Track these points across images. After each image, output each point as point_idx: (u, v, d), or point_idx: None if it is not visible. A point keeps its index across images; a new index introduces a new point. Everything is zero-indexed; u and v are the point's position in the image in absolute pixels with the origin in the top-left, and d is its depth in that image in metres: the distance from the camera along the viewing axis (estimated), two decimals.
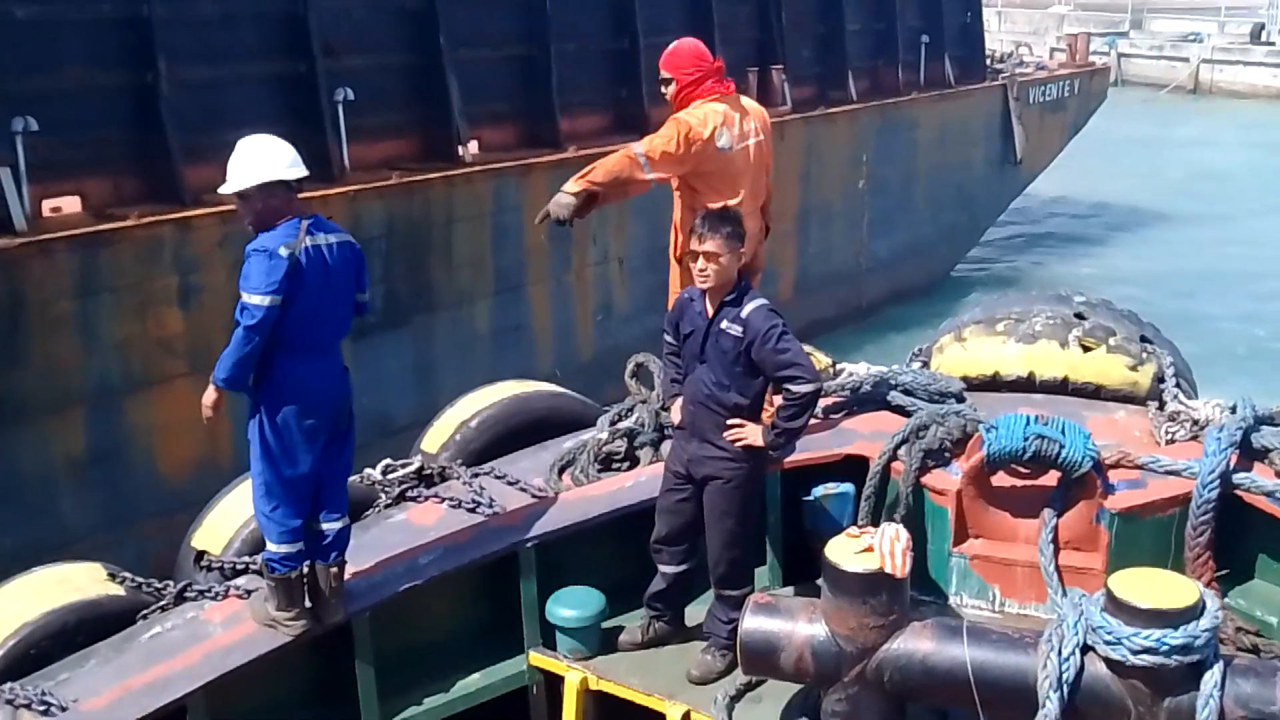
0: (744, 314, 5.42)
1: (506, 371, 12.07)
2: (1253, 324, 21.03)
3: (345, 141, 12.31)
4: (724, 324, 5.46)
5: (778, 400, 5.71)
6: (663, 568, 5.82)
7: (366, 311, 5.63)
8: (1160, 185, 31.78)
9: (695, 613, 5.97)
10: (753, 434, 5.50)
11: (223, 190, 5.27)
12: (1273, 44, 49.68)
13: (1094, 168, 31.25)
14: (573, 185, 6.29)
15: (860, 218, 19.44)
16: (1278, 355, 19.10)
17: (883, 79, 20.62)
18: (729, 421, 5.52)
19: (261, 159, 5.22)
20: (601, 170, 6.27)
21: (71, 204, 10.61)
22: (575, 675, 5.79)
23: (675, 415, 5.76)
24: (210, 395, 5.24)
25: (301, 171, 5.27)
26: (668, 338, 5.84)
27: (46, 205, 10.39)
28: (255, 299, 5.03)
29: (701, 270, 5.43)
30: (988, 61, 23.86)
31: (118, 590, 5.59)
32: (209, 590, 5.59)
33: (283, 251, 5.05)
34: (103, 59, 10.82)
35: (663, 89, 6.52)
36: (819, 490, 6.14)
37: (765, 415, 5.72)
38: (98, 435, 10.26)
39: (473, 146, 13.65)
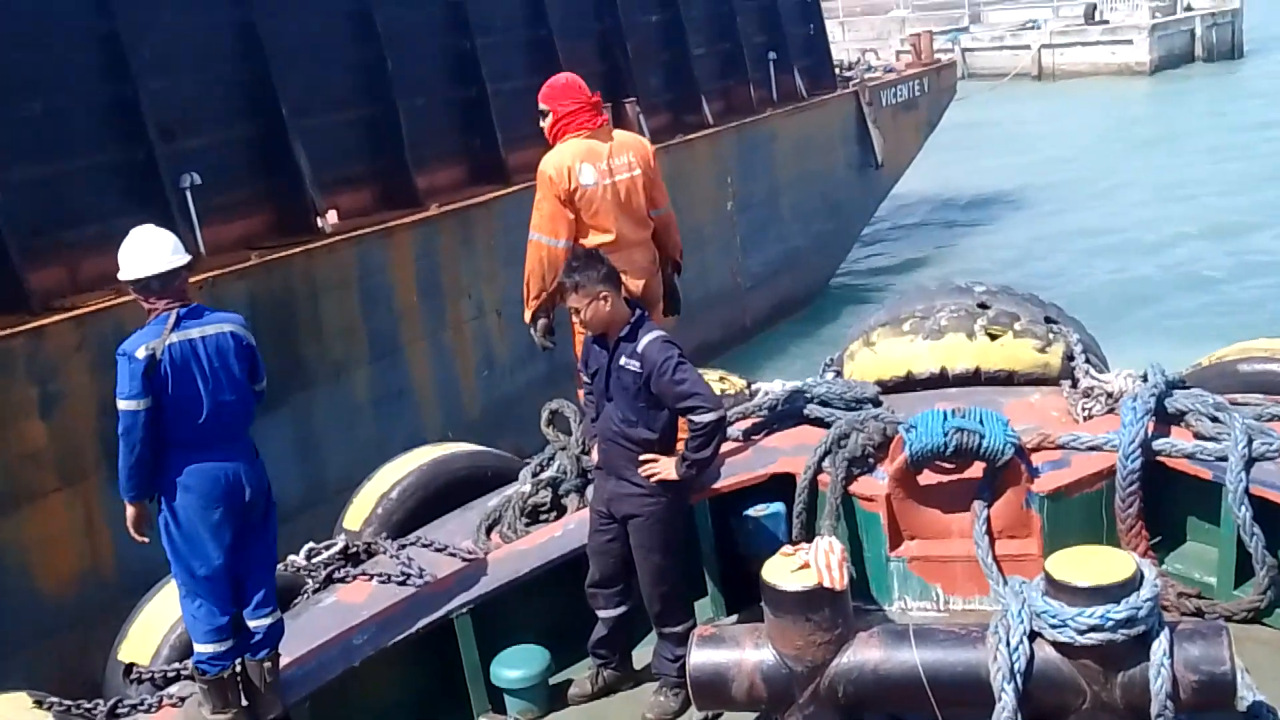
0: (640, 348, 5.53)
1: (393, 439, 12.06)
2: (1141, 288, 21.86)
3: (198, 225, 12.18)
4: (622, 360, 5.58)
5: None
6: (601, 613, 5.88)
7: (260, 401, 5.62)
8: (1019, 169, 32.99)
9: (643, 655, 6.02)
10: (665, 467, 5.59)
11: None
12: (1106, 22, 51.87)
13: (954, 162, 32.26)
14: (526, 314, 6.86)
15: (732, 238, 19.76)
16: (1172, 317, 19.82)
17: (736, 99, 21.07)
18: (642, 457, 5.61)
19: (125, 256, 5.32)
20: (531, 280, 6.74)
21: None
22: None
23: (594, 455, 5.86)
24: (129, 513, 5.30)
25: (160, 266, 5.27)
26: (584, 378, 5.93)
27: None
28: (121, 404, 5.15)
29: (589, 323, 5.63)
30: (837, 70, 24.50)
31: (46, 717, 5.46)
32: (141, 703, 5.52)
33: (140, 353, 5.13)
34: None
35: (540, 122, 6.76)
36: (749, 512, 6.25)
37: (681, 445, 5.82)
38: None
39: (331, 216, 13.58)
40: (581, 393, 6.15)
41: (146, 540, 5.31)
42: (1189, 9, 53.82)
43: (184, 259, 5.36)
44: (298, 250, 12.85)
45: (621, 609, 5.86)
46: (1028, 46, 51.82)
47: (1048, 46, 51.71)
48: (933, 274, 22.86)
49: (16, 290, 10.80)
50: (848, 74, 24.94)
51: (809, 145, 22.00)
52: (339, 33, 14.51)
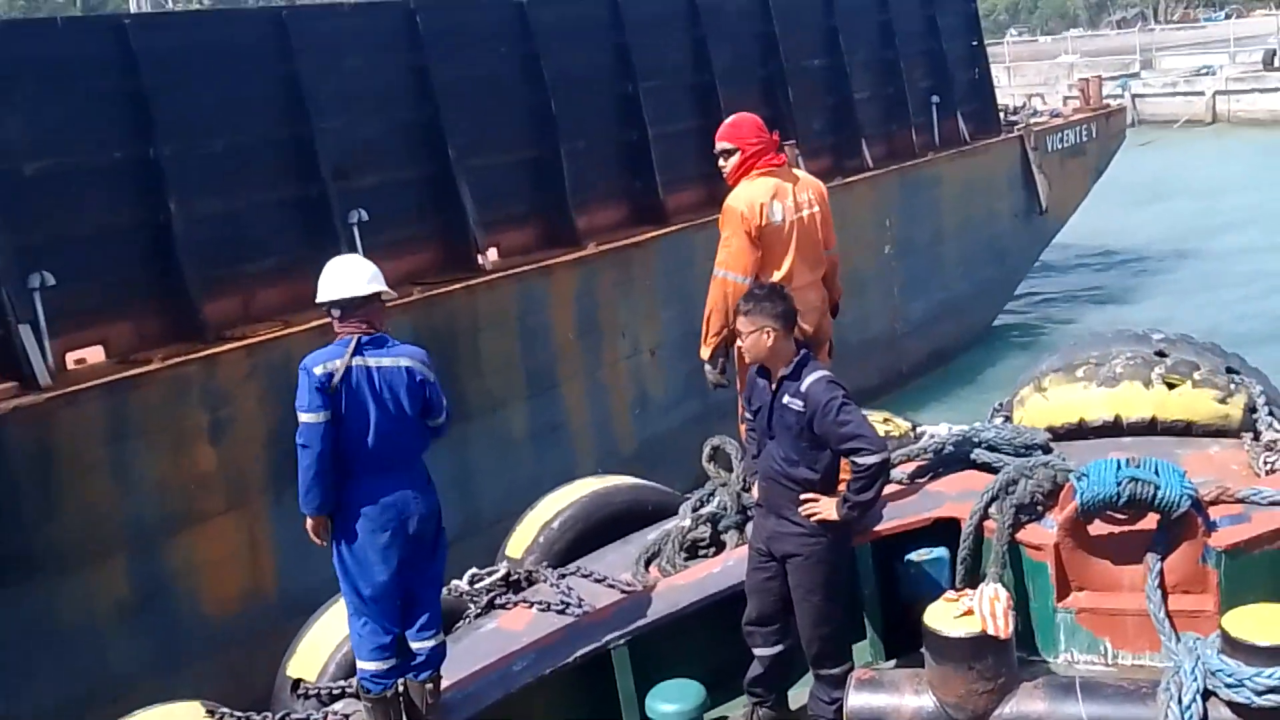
0: (803, 388, 5.54)
1: (547, 474, 12.20)
2: None
3: None
4: (785, 399, 5.59)
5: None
6: (758, 650, 5.88)
7: (440, 436, 5.82)
8: (1189, 216, 32.13)
9: (799, 695, 6.01)
10: (827, 508, 5.58)
11: None
12: None
13: (1122, 208, 31.57)
14: (704, 351, 6.86)
15: (891, 282, 19.65)
16: None
17: (898, 143, 21.00)
18: (803, 496, 5.61)
19: (323, 280, 5.59)
20: (712, 316, 6.78)
21: (95, 354, 10.81)
22: None
23: (756, 492, 5.89)
24: (309, 524, 5.49)
25: (352, 291, 5.51)
26: (747, 415, 5.99)
27: (70, 357, 10.59)
28: (301, 416, 5.40)
29: (739, 346, 5.71)
30: (1001, 115, 24.24)
31: None
32: (307, 718, 5.69)
33: (318, 370, 5.37)
34: (114, 203, 11.11)
35: (721, 161, 6.86)
36: (912, 556, 6.21)
37: (843, 486, 5.81)
38: (140, 580, 10.34)
39: (492, 254, 13.92)
40: (744, 429, 6.18)
41: (325, 544, 5.50)
42: None
43: (372, 289, 5.55)
44: (460, 286, 13.16)
45: (778, 648, 5.85)
46: (1201, 93, 50.66)
47: (1222, 93, 50.46)
48: (1095, 320, 22.37)
49: (193, 319, 11.26)
50: (1013, 119, 24.65)
51: (971, 189, 21.81)
52: (507, 76, 14.86)
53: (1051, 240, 25.22)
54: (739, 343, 5.75)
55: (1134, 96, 49.25)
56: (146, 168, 11.20)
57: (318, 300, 5.59)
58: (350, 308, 5.50)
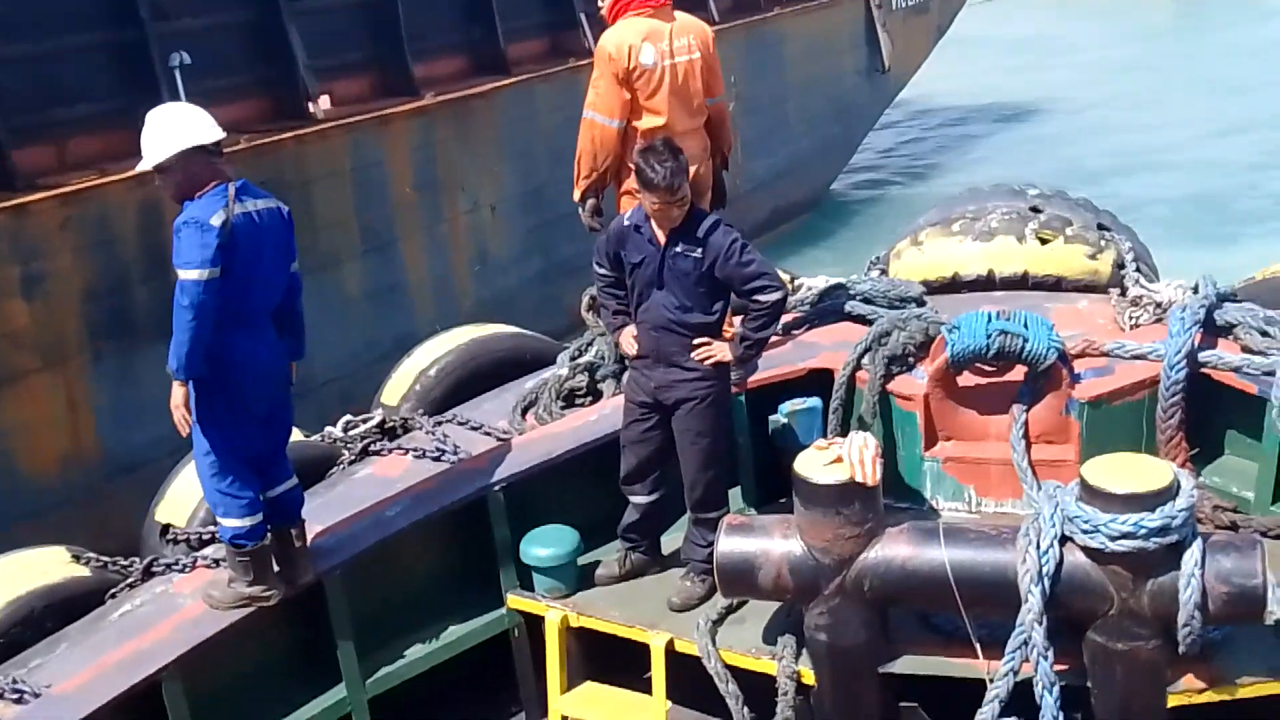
0: (700, 234, 5.71)
1: (384, 334, 12.17)
2: (1193, 199, 22.07)
3: None
4: (680, 247, 5.74)
5: (737, 321, 6.07)
6: (635, 499, 6.11)
7: (299, 283, 5.73)
8: (1032, 79, 33.05)
9: (671, 541, 6.27)
10: (721, 350, 5.82)
11: (140, 168, 5.34)
12: None
13: (962, 69, 32.27)
14: (575, 193, 6.89)
15: (736, 139, 19.79)
16: (1219, 230, 19.96)
17: None
18: (696, 341, 5.82)
19: (173, 127, 5.27)
20: (582, 158, 6.80)
21: None
22: (555, 614, 6.06)
23: (626, 346, 6.02)
24: (177, 394, 5.26)
25: (218, 134, 5.32)
26: (602, 270, 6.06)
27: None
28: (188, 274, 5.09)
29: (674, 217, 5.71)
30: None
31: (83, 571, 5.74)
32: (176, 563, 5.78)
33: (214, 221, 5.11)
34: None
35: (599, 4, 6.87)
36: (786, 407, 6.44)
37: (726, 336, 6.01)
38: None
39: (324, 102, 13.54)
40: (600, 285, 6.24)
41: (190, 426, 5.30)
42: None
43: (222, 132, 5.38)
44: (289, 136, 12.87)
45: (655, 495, 6.09)
46: None
47: None
48: (939, 183, 22.98)
49: (3, 168, 10.83)
50: None
51: (816, 46, 22.03)
52: None
53: (893, 100, 25.71)
54: (673, 210, 5.68)
55: None
56: None
57: (175, 149, 5.21)
58: (213, 153, 5.28)
